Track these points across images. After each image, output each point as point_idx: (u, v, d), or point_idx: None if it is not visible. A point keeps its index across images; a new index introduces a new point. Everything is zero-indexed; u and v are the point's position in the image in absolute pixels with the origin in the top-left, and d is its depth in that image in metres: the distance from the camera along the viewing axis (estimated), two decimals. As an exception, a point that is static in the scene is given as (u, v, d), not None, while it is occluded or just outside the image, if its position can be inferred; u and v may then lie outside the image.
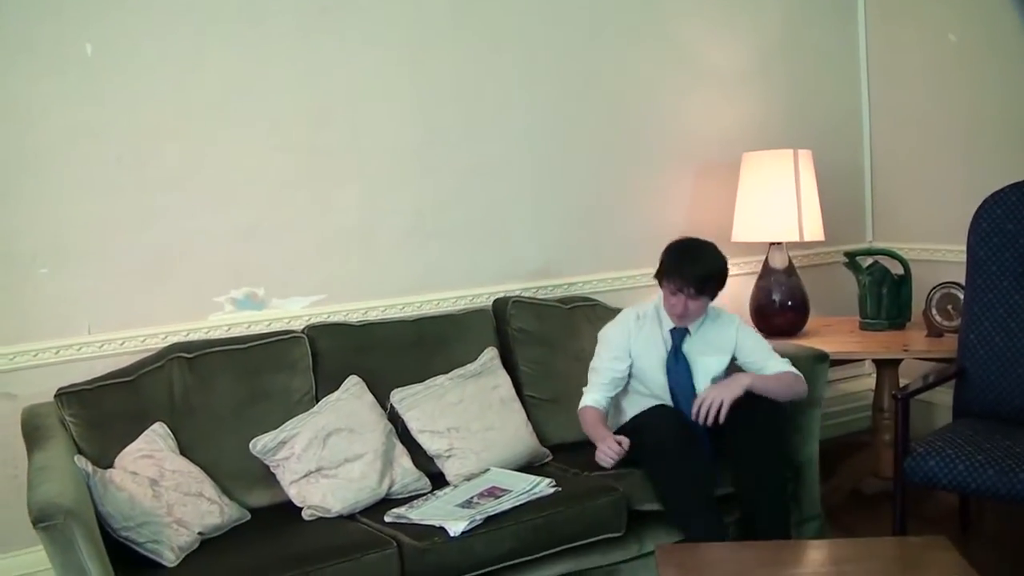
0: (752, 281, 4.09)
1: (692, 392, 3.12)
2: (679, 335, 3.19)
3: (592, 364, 3.25)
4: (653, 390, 3.20)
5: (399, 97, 3.58)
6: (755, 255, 4.19)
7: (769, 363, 3.18)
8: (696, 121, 4.21)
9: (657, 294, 3.25)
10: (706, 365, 3.17)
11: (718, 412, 2.96)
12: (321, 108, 3.45)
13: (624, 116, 4.03)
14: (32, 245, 3.08)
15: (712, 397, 2.99)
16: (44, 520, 2.22)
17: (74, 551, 2.25)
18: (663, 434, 2.99)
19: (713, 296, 3.15)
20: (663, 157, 4.14)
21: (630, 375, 3.23)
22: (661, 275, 3.14)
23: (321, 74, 3.44)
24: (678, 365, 3.17)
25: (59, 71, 3.07)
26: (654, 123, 4.11)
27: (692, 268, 3.06)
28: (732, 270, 4.17)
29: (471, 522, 2.68)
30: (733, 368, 3.24)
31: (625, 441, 3.03)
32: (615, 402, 3.26)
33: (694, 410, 3.01)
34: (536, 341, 3.50)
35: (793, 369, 3.17)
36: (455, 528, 2.66)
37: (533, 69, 3.82)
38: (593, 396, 3.20)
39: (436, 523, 2.71)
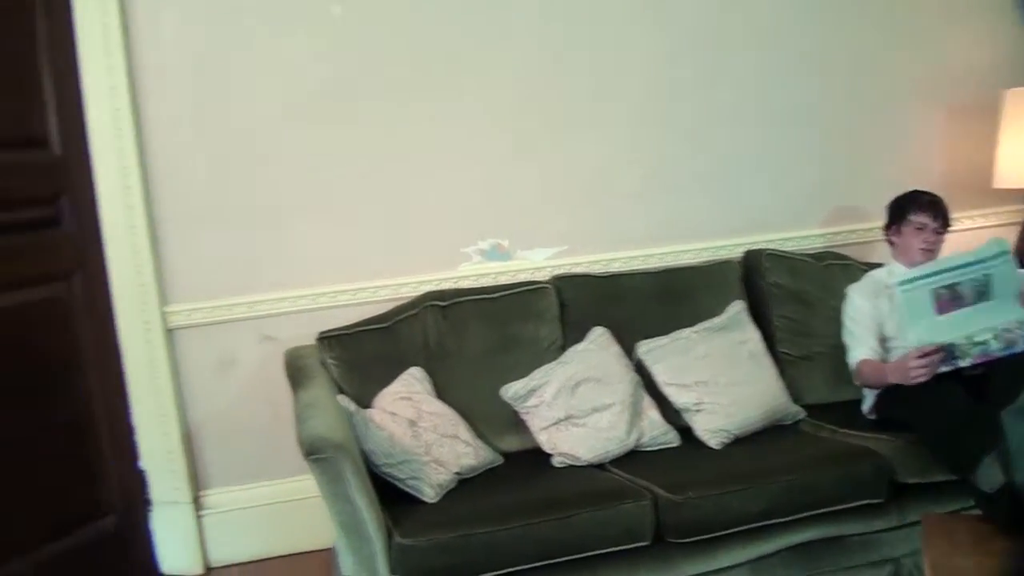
0: (1015, 232, 3.78)
1: None
2: None
3: (850, 319, 3.14)
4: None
5: (639, 45, 3.51)
6: (1019, 204, 3.89)
7: None
8: (947, 57, 3.88)
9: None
10: None
11: None
12: (562, 59, 3.44)
13: (866, 55, 3.78)
14: (292, 198, 3.26)
15: None
16: (315, 453, 2.35)
17: (343, 483, 2.37)
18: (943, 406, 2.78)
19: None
20: (910, 98, 3.86)
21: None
22: (900, 219, 3.18)
23: (561, 25, 3.42)
24: None
25: (311, 32, 3.22)
26: (899, 62, 3.83)
27: (930, 196, 3.15)
28: (992, 220, 3.94)
29: None
30: None
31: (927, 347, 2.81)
32: None
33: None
34: (791, 296, 3.38)
35: None
36: None
37: (774, 11, 3.65)
38: (863, 349, 3.07)
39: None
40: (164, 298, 3.21)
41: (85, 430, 3.08)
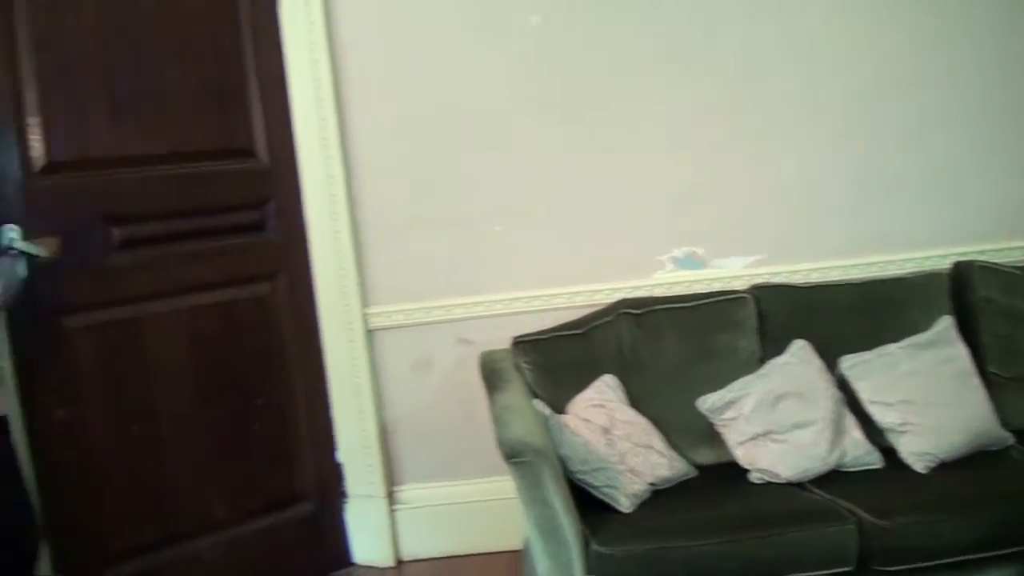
0: None
1: None
2: None
3: None
4: None
5: (845, 45, 3.38)
6: None
7: None
8: None
9: None
10: None
11: None
12: (757, 64, 3.35)
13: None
14: (486, 204, 3.34)
15: None
16: (516, 456, 2.39)
17: (541, 487, 2.40)
18: None
19: None
20: None
21: None
22: None
23: (761, 26, 3.34)
24: None
25: (509, 41, 3.27)
26: None
27: None
28: None
29: None
30: None
31: None
32: None
33: None
34: (1003, 312, 3.19)
35: None
36: None
37: (992, 2, 3.42)
38: None
39: None
40: (365, 300, 3.34)
41: (286, 420, 3.27)
